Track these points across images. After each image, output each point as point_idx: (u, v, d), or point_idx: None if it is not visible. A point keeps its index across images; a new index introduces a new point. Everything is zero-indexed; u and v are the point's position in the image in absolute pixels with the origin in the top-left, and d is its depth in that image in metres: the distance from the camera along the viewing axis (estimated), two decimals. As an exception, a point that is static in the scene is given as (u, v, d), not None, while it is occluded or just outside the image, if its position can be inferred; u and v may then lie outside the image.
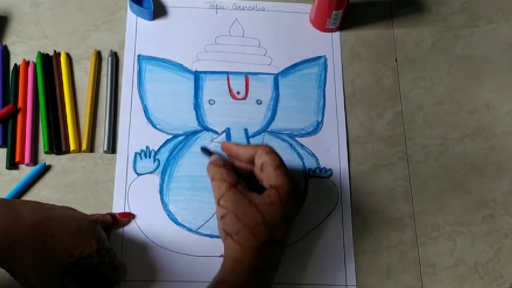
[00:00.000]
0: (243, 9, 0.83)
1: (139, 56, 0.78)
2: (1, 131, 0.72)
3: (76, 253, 0.58)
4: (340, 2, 0.77)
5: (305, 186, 0.73)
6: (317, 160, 0.74)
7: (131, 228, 0.69)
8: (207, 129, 0.75)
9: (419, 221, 0.72)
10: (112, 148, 0.73)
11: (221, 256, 0.65)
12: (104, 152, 0.72)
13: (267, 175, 0.64)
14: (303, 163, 0.74)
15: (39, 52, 0.76)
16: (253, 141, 0.75)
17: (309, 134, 0.76)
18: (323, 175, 0.74)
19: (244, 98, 0.77)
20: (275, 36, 0.81)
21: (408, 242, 0.71)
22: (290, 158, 0.74)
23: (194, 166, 0.72)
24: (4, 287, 0.63)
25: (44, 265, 0.57)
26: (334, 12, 0.78)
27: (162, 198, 0.71)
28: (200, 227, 0.70)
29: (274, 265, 0.62)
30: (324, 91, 0.79)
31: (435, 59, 0.82)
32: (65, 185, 0.71)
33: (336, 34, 0.82)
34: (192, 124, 0.75)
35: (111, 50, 0.78)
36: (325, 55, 0.81)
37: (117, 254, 0.63)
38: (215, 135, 0.75)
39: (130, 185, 0.71)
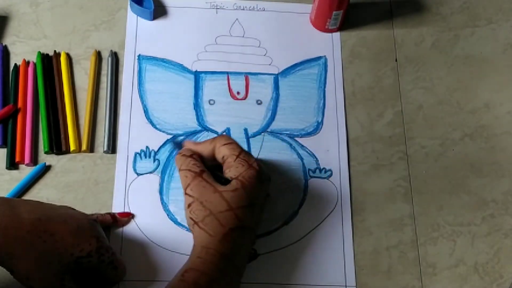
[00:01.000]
0: (243, 9, 0.83)
1: (139, 56, 0.78)
2: (1, 131, 0.72)
3: (75, 252, 0.58)
4: (340, 3, 0.77)
5: (304, 186, 0.73)
6: (317, 160, 0.74)
7: (130, 228, 0.69)
8: (207, 129, 0.75)
9: (419, 221, 0.72)
10: (112, 148, 0.73)
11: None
12: (104, 152, 0.72)
13: (229, 167, 0.64)
14: (303, 164, 0.74)
15: (39, 52, 0.76)
16: (253, 141, 0.75)
17: (309, 134, 0.76)
18: (323, 176, 0.74)
19: (244, 98, 0.77)
20: (275, 36, 0.81)
21: (408, 242, 0.71)
22: (290, 158, 0.74)
23: (194, 166, 0.72)
24: (4, 287, 0.63)
25: (44, 264, 0.57)
26: (334, 12, 0.78)
27: (162, 198, 0.71)
28: (200, 227, 0.70)
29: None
30: (324, 91, 0.79)
31: (435, 59, 0.82)
32: (65, 185, 0.71)
33: (336, 34, 0.82)
34: (192, 124, 0.75)
35: (111, 50, 0.78)
36: (325, 55, 0.81)
37: (116, 253, 0.63)
38: (215, 135, 0.74)
39: (130, 185, 0.71)
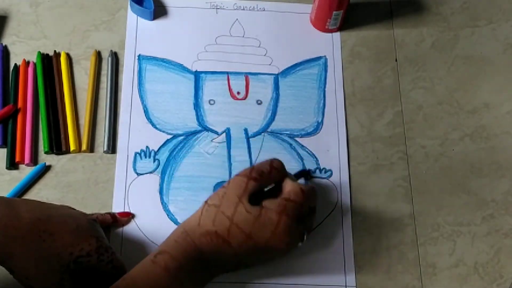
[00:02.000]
0: (243, 9, 0.83)
1: (139, 56, 0.78)
2: (1, 131, 0.72)
3: (75, 251, 0.58)
4: (340, 3, 0.77)
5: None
6: (317, 160, 0.74)
7: (130, 228, 0.69)
8: (207, 129, 0.75)
9: (419, 221, 0.72)
10: (112, 148, 0.73)
11: None
12: (104, 152, 0.72)
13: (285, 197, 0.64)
14: (303, 164, 0.74)
15: (39, 52, 0.76)
16: (253, 141, 0.75)
17: (309, 134, 0.76)
18: (323, 176, 0.74)
19: (244, 98, 0.77)
20: (275, 36, 0.81)
21: (408, 242, 0.71)
22: (290, 158, 0.74)
23: (194, 166, 0.72)
24: (4, 287, 0.63)
25: (43, 263, 0.57)
26: (334, 12, 0.78)
27: (162, 198, 0.71)
28: (200, 227, 0.70)
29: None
30: (324, 91, 0.79)
31: (435, 59, 0.82)
32: (65, 185, 0.71)
33: (336, 34, 0.82)
34: (192, 124, 0.75)
35: (111, 50, 0.78)
36: (325, 56, 0.81)
37: (116, 253, 0.63)
38: (215, 135, 0.75)
39: (130, 185, 0.71)
